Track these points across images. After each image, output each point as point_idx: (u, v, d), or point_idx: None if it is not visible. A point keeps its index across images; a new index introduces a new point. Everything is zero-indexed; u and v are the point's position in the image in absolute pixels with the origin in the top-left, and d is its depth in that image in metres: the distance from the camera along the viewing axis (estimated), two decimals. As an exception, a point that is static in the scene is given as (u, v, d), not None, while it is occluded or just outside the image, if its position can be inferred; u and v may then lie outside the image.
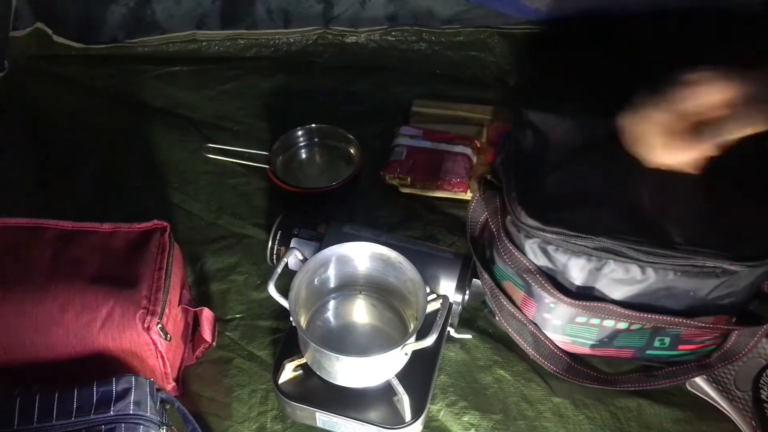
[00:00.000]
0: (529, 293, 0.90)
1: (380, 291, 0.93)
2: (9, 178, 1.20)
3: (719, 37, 1.36)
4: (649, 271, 0.83)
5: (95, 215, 0.93)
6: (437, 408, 0.92)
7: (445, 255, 0.96)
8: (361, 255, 0.89)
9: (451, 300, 0.90)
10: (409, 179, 1.15)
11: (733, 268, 0.81)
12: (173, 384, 0.90)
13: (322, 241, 0.96)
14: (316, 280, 0.90)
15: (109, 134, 1.28)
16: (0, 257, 0.86)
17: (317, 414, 0.85)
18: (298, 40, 1.43)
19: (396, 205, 1.16)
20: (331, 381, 0.84)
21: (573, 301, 0.86)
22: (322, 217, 1.01)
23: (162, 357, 0.85)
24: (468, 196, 1.15)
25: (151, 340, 0.83)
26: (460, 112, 1.27)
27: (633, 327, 0.88)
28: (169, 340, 0.85)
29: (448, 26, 1.42)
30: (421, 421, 0.84)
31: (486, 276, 0.94)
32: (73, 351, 0.82)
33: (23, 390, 0.76)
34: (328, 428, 0.87)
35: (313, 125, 1.22)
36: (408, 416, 0.83)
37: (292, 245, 0.98)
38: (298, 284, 0.84)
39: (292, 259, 0.90)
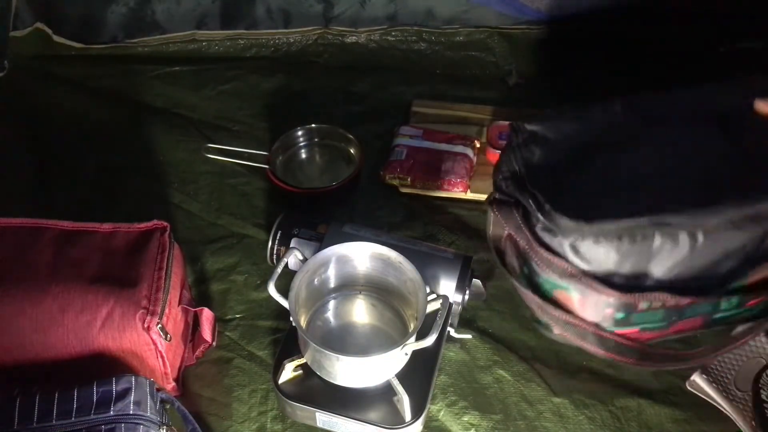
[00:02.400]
0: (583, 295, 0.87)
1: (380, 291, 0.93)
2: (9, 178, 1.20)
3: (718, 36, 1.36)
4: (699, 236, 0.82)
5: (95, 215, 0.93)
6: (437, 408, 0.92)
7: (445, 255, 0.96)
8: (361, 255, 0.89)
9: (451, 300, 0.90)
10: (409, 179, 1.15)
11: None
12: (173, 384, 0.90)
13: (322, 241, 0.96)
14: (316, 280, 0.90)
15: (109, 134, 1.28)
16: (0, 257, 0.86)
17: (317, 414, 0.85)
18: (298, 40, 1.43)
19: (396, 205, 1.16)
20: (331, 381, 0.84)
21: (623, 294, 0.84)
22: (322, 217, 1.01)
23: (162, 357, 0.85)
24: (468, 196, 1.15)
25: (151, 340, 0.83)
26: (460, 112, 1.27)
27: None
28: (169, 340, 0.85)
29: (448, 26, 1.42)
30: (421, 421, 0.84)
31: (529, 293, 0.90)
32: (73, 351, 0.82)
33: (23, 390, 0.76)
34: (328, 428, 0.87)
35: (313, 125, 1.22)
36: (408, 416, 0.83)
37: (292, 245, 0.98)
38: (298, 284, 0.84)
39: (292, 259, 0.90)
